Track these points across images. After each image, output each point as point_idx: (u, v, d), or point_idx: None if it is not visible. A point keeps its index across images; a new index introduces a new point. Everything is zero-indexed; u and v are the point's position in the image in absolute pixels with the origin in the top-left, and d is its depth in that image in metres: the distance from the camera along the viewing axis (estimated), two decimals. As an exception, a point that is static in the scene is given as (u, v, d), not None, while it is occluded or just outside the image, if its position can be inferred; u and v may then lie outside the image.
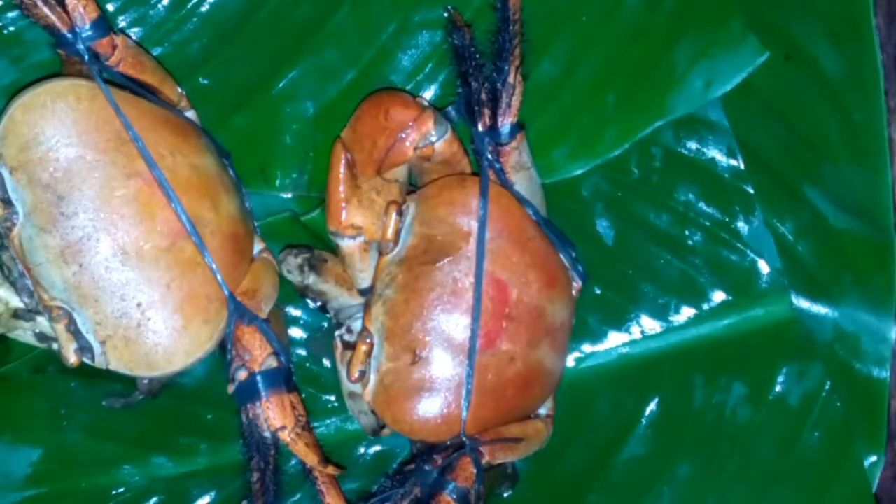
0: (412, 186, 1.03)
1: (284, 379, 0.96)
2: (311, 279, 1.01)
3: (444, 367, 0.95)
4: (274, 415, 0.94)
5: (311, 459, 0.96)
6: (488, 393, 0.96)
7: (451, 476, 0.94)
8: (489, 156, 0.98)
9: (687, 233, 1.10)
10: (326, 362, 1.12)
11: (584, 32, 1.04)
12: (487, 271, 0.95)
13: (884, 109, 0.97)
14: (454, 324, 0.95)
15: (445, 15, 1.03)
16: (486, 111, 0.98)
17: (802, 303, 1.07)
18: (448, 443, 0.97)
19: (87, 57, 0.92)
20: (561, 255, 1.01)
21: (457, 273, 0.95)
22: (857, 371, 1.03)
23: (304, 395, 1.01)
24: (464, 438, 0.96)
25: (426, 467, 0.96)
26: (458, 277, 0.95)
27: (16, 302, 0.96)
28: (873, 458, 1.02)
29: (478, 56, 0.99)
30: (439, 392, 0.95)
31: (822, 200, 1.03)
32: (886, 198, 0.98)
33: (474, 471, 0.95)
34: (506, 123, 0.98)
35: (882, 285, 1.01)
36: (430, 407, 0.95)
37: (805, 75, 1.01)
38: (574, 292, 1.03)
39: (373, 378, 0.96)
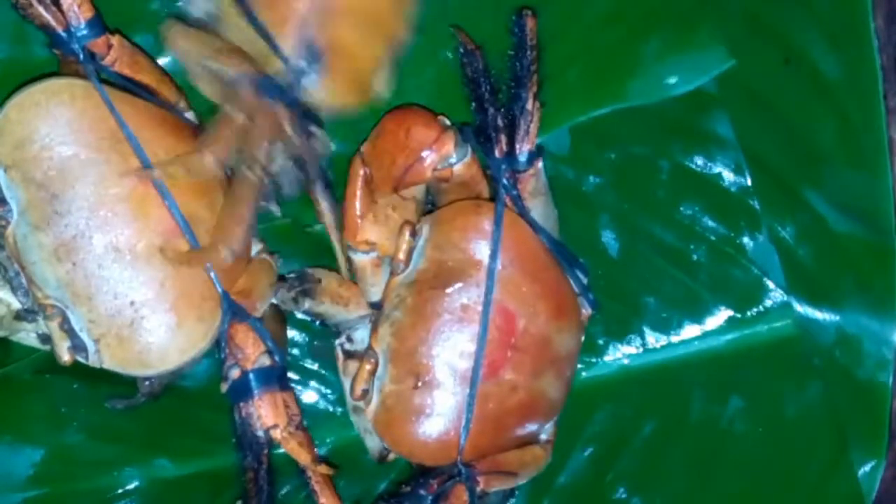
0: (429, 205, 1.00)
1: (277, 377, 0.93)
2: (307, 304, 0.99)
3: (446, 393, 0.91)
4: (266, 413, 0.91)
5: (304, 458, 0.93)
6: (489, 421, 0.93)
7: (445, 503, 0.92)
8: (505, 182, 0.95)
9: (692, 247, 1.08)
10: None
11: (559, 16, 1.01)
12: (496, 300, 0.92)
13: (883, 112, 0.93)
14: (459, 351, 0.91)
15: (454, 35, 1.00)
16: (503, 137, 0.95)
17: (803, 307, 1.04)
18: (446, 467, 0.94)
19: (82, 56, 0.90)
20: (571, 282, 0.98)
21: (465, 300, 0.92)
22: (859, 374, 1.00)
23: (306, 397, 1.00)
24: (460, 467, 0.93)
25: (421, 492, 0.93)
26: (466, 305, 0.92)
27: (17, 304, 0.94)
28: (874, 461, 0.99)
29: (492, 81, 0.96)
30: (440, 418, 0.92)
31: (823, 204, 1.00)
32: (887, 200, 0.95)
33: (467, 500, 0.92)
34: (524, 150, 0.95)
35: (883, 288, 0.97)
36: (429, 432, 0.92)
37: (804, 78, 0.98)
38: (583, 319, 1.00)
39: (375, 398, 0.94)
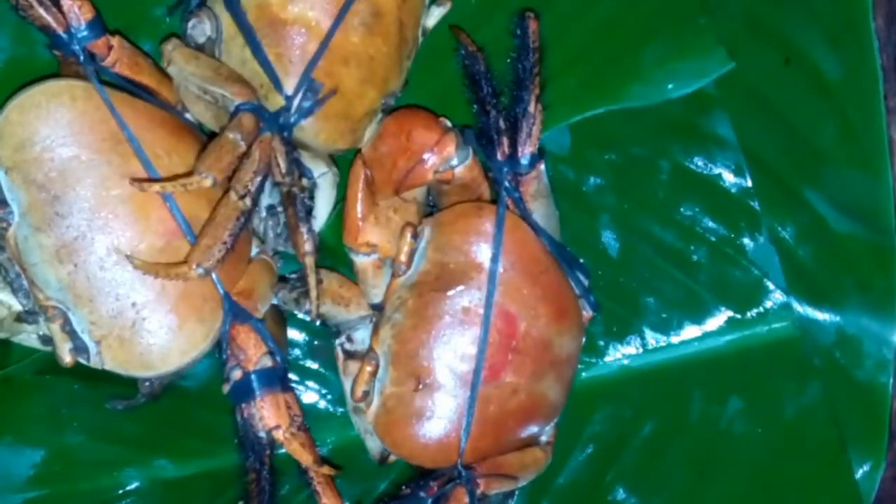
0: (430, 207, 1.00)
1: (279, 378, 0.92)
2: (308, 306, 0.98)
3: (446, 396, 0.91)
4: (268, 414, 0.91)
5: (306, 459, 0.92)
6: (489, 424, 0.93)
7: (445, 505, 0.92)
8: (507, 184, 0.95)
9: (692, 248, 1.07)
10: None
11: (559, 20, 1.01)
12: (497, 303, 0.91)
13: (883, 112, 0.93)
14: (460, 354, 0.91)
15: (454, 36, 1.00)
16: (505, 140, 0.95)
17: (803, 308, 1.04)
18: (446, 469, 0.94)
19: (82, 57, 0.90)
20: (573, 284, 0.97)
21: (467, 303, 0.91)
22: (859, 375, 1.00)
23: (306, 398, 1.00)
24: (460, 469, 0.93)
25: (421, 494, 0.93)
26: (467, 307, 0.91)
27: (18, 305, 0.93)
28: (873, 461, 0.99)
29: (494, 83, 0.95)
30: (440, 421, 0.92)
31: (823, 204, 1.00)
32: (887, 200, 0.95)
33: (468, 502, 0.92)
34: (526, 153, 0.95)
35: (883, 288, 0.97)
36: (430, 435, 0.92)
37: (804, 78, 0.98)
38: (584, 321, 0.99)
39: (376, 400, 0.93)
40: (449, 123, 0.95)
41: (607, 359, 1.09)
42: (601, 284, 1.06)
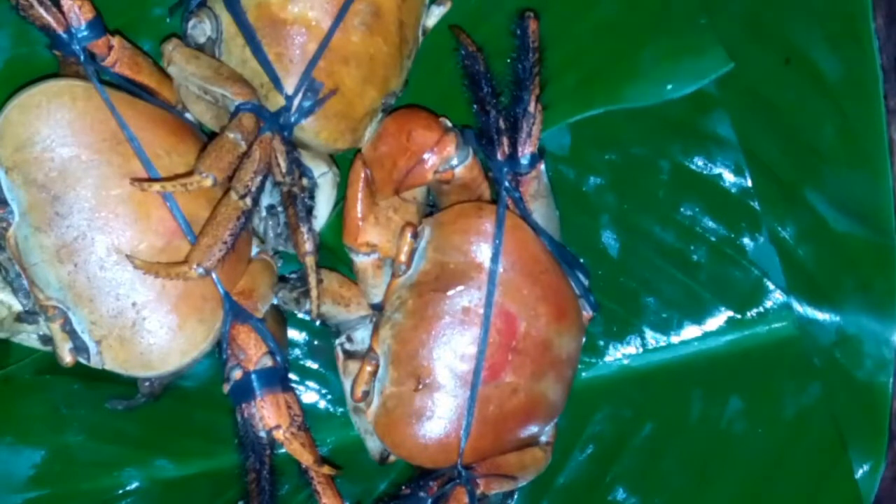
0: (430, 206, 1.00)
1: (279, 378, 0.92)
2: (308, 306, 0.98)
3: (446, 396, 0.91)
4: (268, 414, 0.91)
5: (307, 459, 0.92)
6: (489, 424, 0.93)
7: (445, 505, 0.92)
8: (507, 184, 0.95)
9: (692, 248, 1.07)
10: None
11: (559, 22, 1.01)
12: (497, 303, 0.91)
13: (883, 112, 0.94)
14: (460, 354, 0.91)
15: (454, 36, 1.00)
16: (505, 140, 0.94)
17: (804, 307, 1.03)
18: (446, 469, 0.94)
19: (82, 57, 0.90)
20: (573, 284, 0.97)
21: (466, 303, 0.91)
22: (859, 375, 1.00)
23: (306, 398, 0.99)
24: (460, 469, 0.93)
25: (421, 494, 0.93)
26: (467, 307, 0.91)
27: (18, 305, 0.94)
28: (873, 461, 0.99)
29: (493, 83, 0.95)
30: (440, 421, 0.92)
31: (823, 204, 1.00)
32: (887, 200, 0.95)
33: (467, 502, 0.92)
34: (526, 153, 0.95)
35: (883, 288, 0.97)
36: (429, 435, 0.92)
37: (804, 78, 0.98)
38: (584, 321, 0.99)
39: (376, 400, 0.94)
40: (449, 123, 0.95)
41: (607, 359, 1.08)
42: (601, 284, 1.06)
